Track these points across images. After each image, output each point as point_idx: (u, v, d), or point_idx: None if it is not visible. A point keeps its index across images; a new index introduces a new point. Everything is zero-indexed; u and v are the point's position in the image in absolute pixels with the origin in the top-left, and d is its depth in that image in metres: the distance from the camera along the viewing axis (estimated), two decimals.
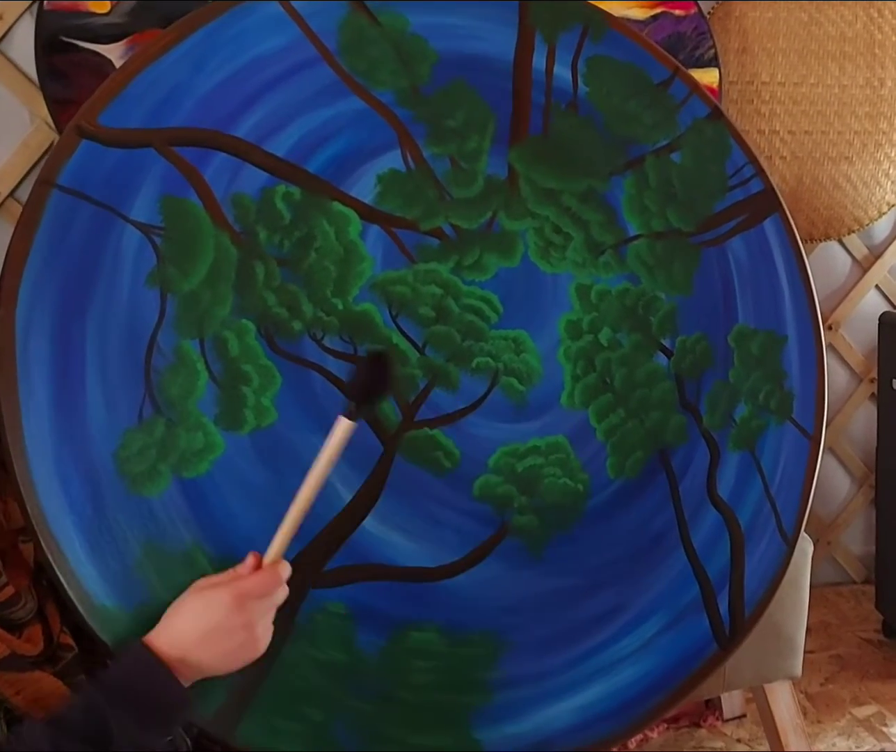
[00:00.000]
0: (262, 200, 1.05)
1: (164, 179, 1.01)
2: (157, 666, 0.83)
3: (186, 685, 0.86)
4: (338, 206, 1.07)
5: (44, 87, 1.70)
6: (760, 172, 1.21)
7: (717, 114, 1.20)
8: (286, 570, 0.92)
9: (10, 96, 1.76)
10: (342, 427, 0.89)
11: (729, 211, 1.20)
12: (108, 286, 0.99)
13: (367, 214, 1.08)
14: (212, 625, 0.86)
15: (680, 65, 1.19)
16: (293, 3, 1.05)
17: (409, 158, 1.10)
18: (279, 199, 1.05)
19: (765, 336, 1.20)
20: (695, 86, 1.19)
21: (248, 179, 1.04)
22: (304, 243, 1.06)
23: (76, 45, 1.67)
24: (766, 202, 1.20)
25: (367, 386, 0.92)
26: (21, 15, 1.73)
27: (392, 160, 1.09)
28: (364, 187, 1.08)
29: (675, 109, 1.18)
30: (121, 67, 1.00)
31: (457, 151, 1.11)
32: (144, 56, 1.01)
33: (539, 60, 1.13)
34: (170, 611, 0.89)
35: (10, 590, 0.90)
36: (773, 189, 1.21)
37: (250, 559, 0.92)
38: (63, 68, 1.68)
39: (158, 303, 1.01)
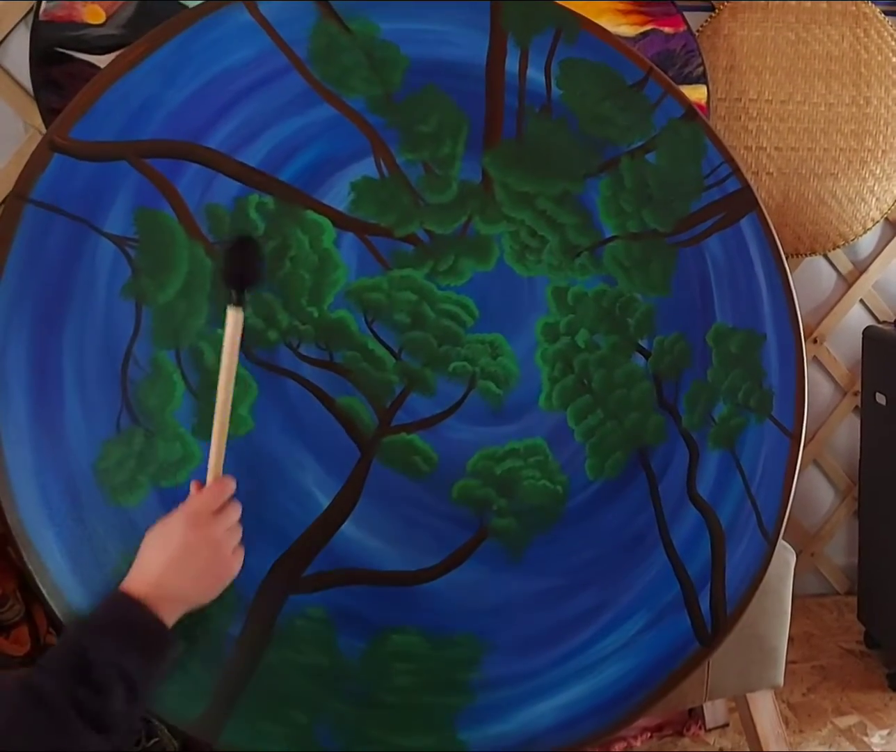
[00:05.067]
0: (236, 210, 1.05)
1: (137, 192, 1.02)
2: (130, 601, 0.84)
3: (170, 618, 0.86)
4: (312, 214, 1.07)
5: (38, 97, 1.70)
6: (736, 170, 1.20)
7: (691, 114, 1.19)
8: (230, 483, 0.93)
9: (4, 106, 1.76)
10: (232, 318, 0.90)
11: (705, 211, 1.20)
12: (83, 299, 1.01)
13: (341, 221, 1.09)
14: (174, 548, 0.88)
15: (654, 65, 1.18)
16: (263, 12, 1.05)
17: (383, 165, 1.10)
18: (253, 209, 1.06)
19: (743, 335, 1.20)
20: (669, 86, 1.18)
21: (222, 190, 1.05)
22: (278, 253, 1.06)
23: (71, 56, 1.68)
24: (742, 201, 1.20)
25: (240, 271, 0.91)
26: (16, 25, 1.74)
27: (365, 167, 1.10)
28: (338, 195, 1.09)
29: (650, 110, 1.17)
30: (91, 81, 1.01)
31: (430, 157, 1.11)
32: (115, 69, 1.01)
33: (512, 64, 1.13)
34: (138, 553, 0.90)
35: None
36: (749, 187, 1.21)
37: (193, 485, 0.94)
38: (58, 79, 1.68)
39: (134, 315, 1.02)
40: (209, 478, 0.93)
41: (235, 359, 0.91)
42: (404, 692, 1.09)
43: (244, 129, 1.06)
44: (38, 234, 0.98)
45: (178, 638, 0.87)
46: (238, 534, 0.93)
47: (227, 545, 0.91)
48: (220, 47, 1.04)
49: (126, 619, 0.84)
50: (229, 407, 0.92)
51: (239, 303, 0.90)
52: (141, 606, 0.84)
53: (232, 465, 1.04)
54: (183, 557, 0.88)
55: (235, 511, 0.93)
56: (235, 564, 0.92)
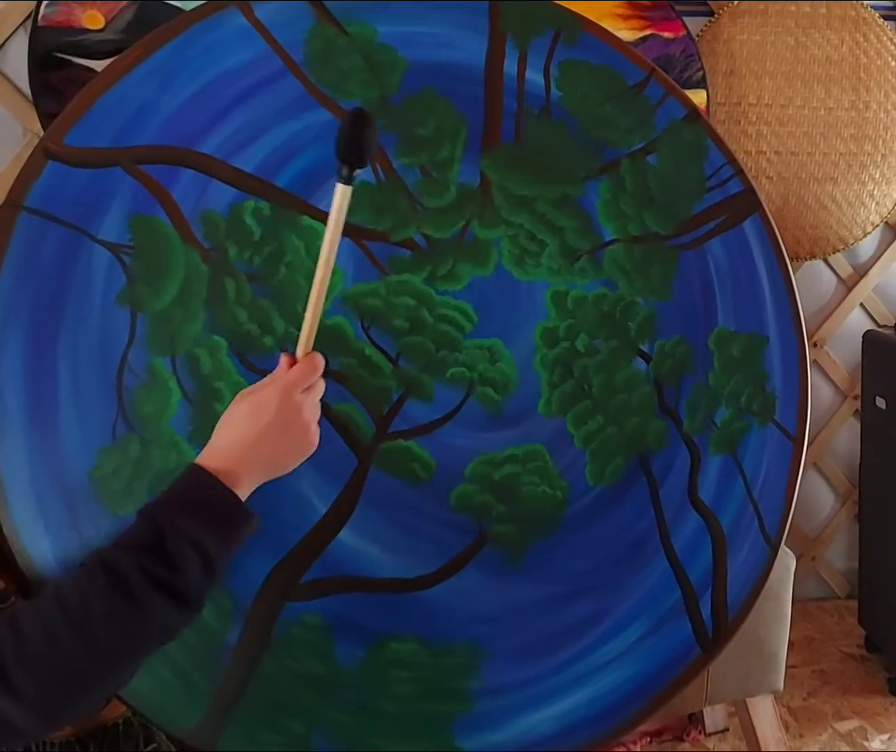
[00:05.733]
0: (231, 216, 1.04)
1: (132, 198, 1.01)
2: (206, 475, 0.84)
3: (246, 491, 0.86)
4: (308, 220, 1.07)
5: (37, 102, 1.70)
6: (739, 172, 1.19)
7: (694, 115, 1.18)
8: (321, 360, 0.92)
9: (3, 112, 1.77)
10: (340, 193, 0.87)
11: (707, 213, 1.18)
12: (78, 306, 1.00)
13: None
14: (264, 424, 0.87)
15: (655, 66, 1.17)
16: (258, 15, 1.04)
17: (380, 169, 1.09)
18: (248, 214, 1.05)
19: (746, 338, 1.19)
20: (671, 87, 1.17)
21: (217, 196, 1.04)
22: (274, 259, 1.06)
23: (70, 61, 1.68)
24: (745, 203, 1.19)
25: (355, 143, 0.88)
26: (15, 30, 1.74)
27: (362, 172, 1.08)
28: None
29: (651, 111, 1.16)
30: (86, 87, 1.00)
31: (428, 161, 1.10)
32: (110, 74, 1.01)
33: (510, 66, 1.12)
34: (218, 428, 0.89)
35: (0, 584, 0.92)
36: (752, 189, 1.19)
37: (283, 359, 0.92)
38: (57, 84, 1.68)
39: (129, 322, 1.01)
40: (299, 352, 0.92)
41: (339, 235, 0.89)
42: (402, 700, 1.08)
43: (240, 134, 1.05)
44: (32, 241, 0.98)
45: (253, 514, 0.86)
46: (319, 412, 0.93)
47: (313, 422, 0.91)
48: (216, 51, 1.04)
49: (202, 494, 0.84)
50: (327, 282, 0.91)
51: (348, 181, 0.87)
52: (217, 480, 0.84)
53: None
54: (273, 434, 0.87)
55: (321, 389, 0.93)
56: (315, 441, 0.92)
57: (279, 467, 0.91)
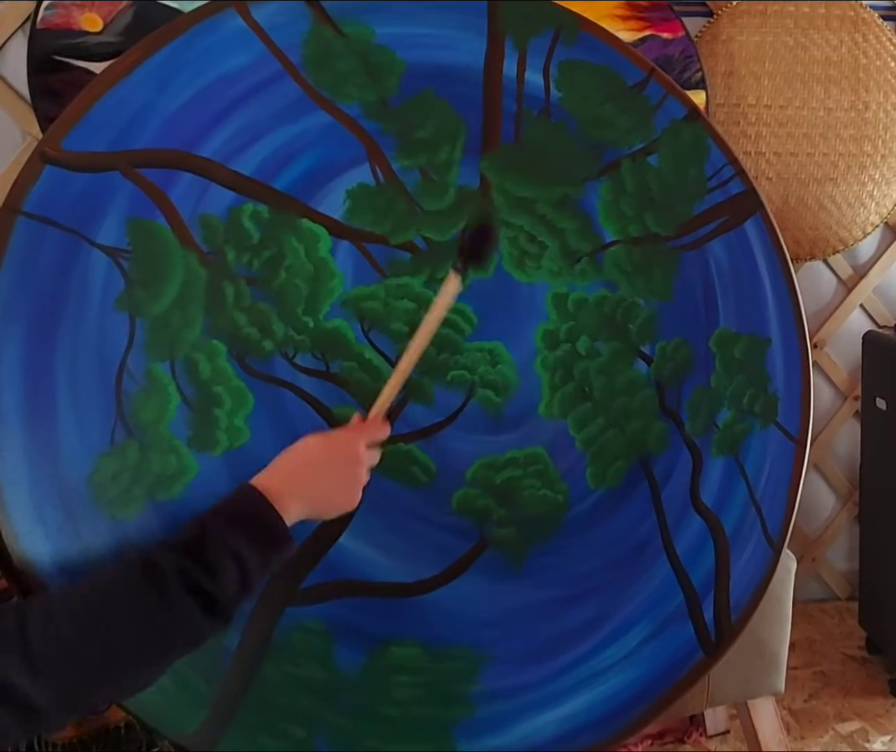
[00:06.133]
0: (230, 219, 1.04)
1: (130, 202, 1.01)
2: (256, 494, 0.87)
3: (290, 519, 0.89)
4: (307, 223, 1.06)
5: (36, 105, 1.70)
6: (741, 172, 1.18)
7: (694, 114, 1.17)
8: (388, 428, 1.01)
9: (2, 115, 1.76)
10: (452, 282, 0.93)
11: (708, 213, 1.18)
12: (76, 311, 0.99)
13: (337, 229, 1.07)
14: (330, 458, 0.94)
15: (655, 65, 1.16)
16: (256, 17, 1.03)
17: (379, 172, 1.09)
18: (247, 218, 1.04)
19: (748, 340, 1.18)
20: (671, 87, 1.16)
21: (216, 199, 1.04)
22: (273, 262, 1.05)
23: (69, 64, 1.67)
24: (746, 203, 1.18)
25: (475, 245, 0.96)
26: (13, 33, 1.73)
27: (361, 174, 1.08)
28: (333, 203, 1.07)
29: (651, 112, 1.15)
30: (83, 90, 0.99)
31: (427, 163, 1.10)
32: (108, 78, 1.00)
33: (510, 67, 1.12)
34: (288, 451, 0.93)
35: (2, 583, 0.92)
36: (754, 189, 1.19)
37: (356, 416, 1.00)
38: (56, 87, 1.68)
39: (128, 326, 1.01)
40: (374, 413, 0.99)
41: (440, 321, 0.95)
42: (403, 704, 1.08)
43: (238, 137, 1.04)
44: (30, 246, 0.97)
45: (294, 538, 0.89)
46: (369, 477, 0.98)
47: (362, 480, 0.97)
48: (214, 54, 1.03)
49: (251, 509, 0.87)
50: (417, 358, 0.97)
51: (464, 274, 0.93)
52: (267, 500, 0.87)
53: (228, 477, 1.04)
54: (332, 468, 0.93)
55: (377, 457, 1.00)
56: (357, 501, 0.97)
57: (324, 509, 0.95)
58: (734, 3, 1.99)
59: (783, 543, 1.17)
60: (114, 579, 0.80)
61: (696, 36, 1.99)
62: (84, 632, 0.77)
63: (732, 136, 1.99)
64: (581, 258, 1.15)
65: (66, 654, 0.76)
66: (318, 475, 0.92)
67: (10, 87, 1.74)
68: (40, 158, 0.97)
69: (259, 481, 0.89)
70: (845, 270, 2.20)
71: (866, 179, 2.06)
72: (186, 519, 1.00)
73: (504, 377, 1.13)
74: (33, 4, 1.67)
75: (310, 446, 0.93)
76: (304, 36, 1.05)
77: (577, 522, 1.15)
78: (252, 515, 0.86)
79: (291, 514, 0.89)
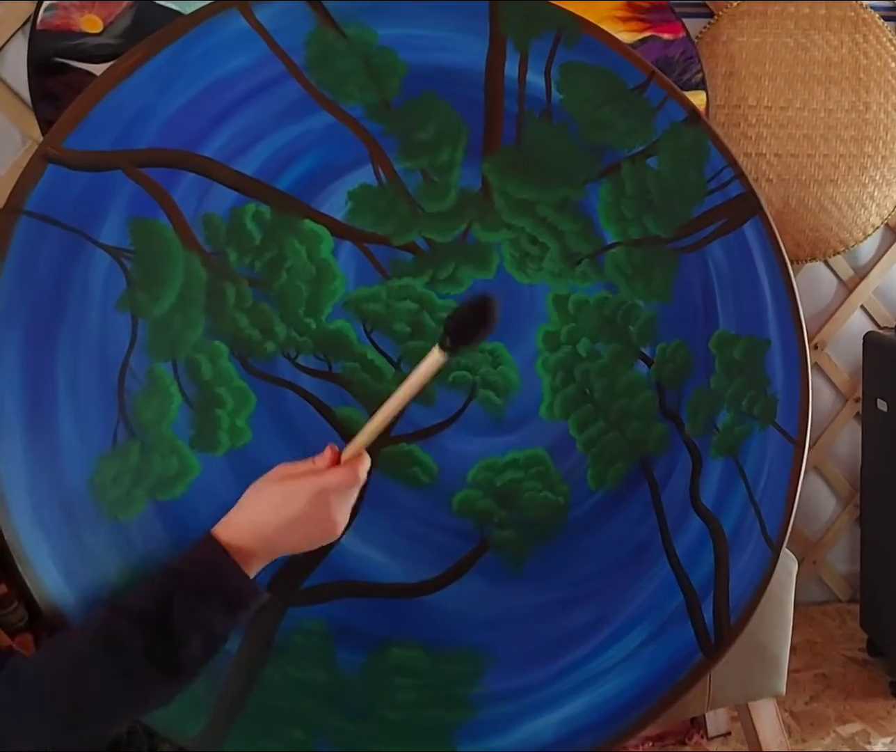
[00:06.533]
0: (232, 220, 1.04)
1: (132, 202, 1.00)
2: (221, 554, 0.84)
3: (256, 570, 0.86)
4: (309, 224, 1.06)
5: (36, 107, 1.69)
6: (740, 175, 1.19)
7: (694, 117, 1.18)
8: (365, 464, 0.90)
9: (1, 117, 1.75)
10: (433, 356, 0.87)
11: (708, 215, 1.18)
12: (78, 311, 0.99)
13: (339, 230, 1.07)
14: (290, 516, 0.86)
15: (656, 68, 1.17)
16: (259, 18, 1.03)
17: (381, 173, 1.09)
18: (249, 218, 1.04)
19: (747, 341, 1.19)
20: (671, 89, 1.17)
21: (218, 199, 1.04)
22: (275, 263, 1.05)
23: (69, 66, 1.67)
24: (746, 205, 1.18)
25: (466, 323, 0.87)
26: (13, 35, 1.73)
27: (363, 175, 1.08)
28: (335, 204, 1.07)
29: (652, 114, 1.16)
30: (85, 90, 0.99)
31: (429, 164, 1.10)
32: (109, 78, 1.00)
33: (511, 69, 1.12)
34: (244, 500, 0.88)
35: (3, 588, 0.91)
36: (753, 191, 1.19)
37: (328, 452, 0.89)
38: (56, 89, 1.67)
39: (130, 327, 1.01)
40: (346, 454, 0.89)
41: (417, 390, 0.88)
42: (404, 707, 1.08)
43: (241, 137, 1.04)
44: (32, 245, 0.97)
45: (261, 591, 0.86)
46: (352, 501, 0.90)
47: (343, 516, 0.89)
48: (216, 55, 1.03)
49: (216, 577, 0.83)
50: (391, 418, 0.90)
51: (452, 352, 0.86)
52: (231, 561, 0.83)
53: (230, 477, 1.04)
54: (296, 526, 0.86)
55: (356, 494, 0.91)
56: (340, 528, 0.90)
57: (296, 550, 0.91)
58: (735, 4, 1.99)
59: (782, 544, 1.18)
60: (79, 651, 0.79)
61: (697, 37, 1.99)
62: (49, 702, 0.77)
63: (733, 137, 1.99)
64: (582, 260, 1.15)
65: (32, 721, 0.77)
66: (283, 529, 0.86)
67: (10, 89, 1.73)
68: (43, 157, 0.97)
69: (224, 532, 0.85)
70: (846, 272, 2.19)
71: (867, 181, 2.07)
72: (187, 520, 1.01)
73: (505, 379, 1.13)
74: (33, 6, 1.66)
75: (273, 497, 0.87)
76: (307, 37, 1.05)
77: (577, 524, 1.15)
78: (219, 581, 0.83)
79: (258, 565, 0.86)
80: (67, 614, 0.96)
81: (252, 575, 0.86)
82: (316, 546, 0.90)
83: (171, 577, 0.84)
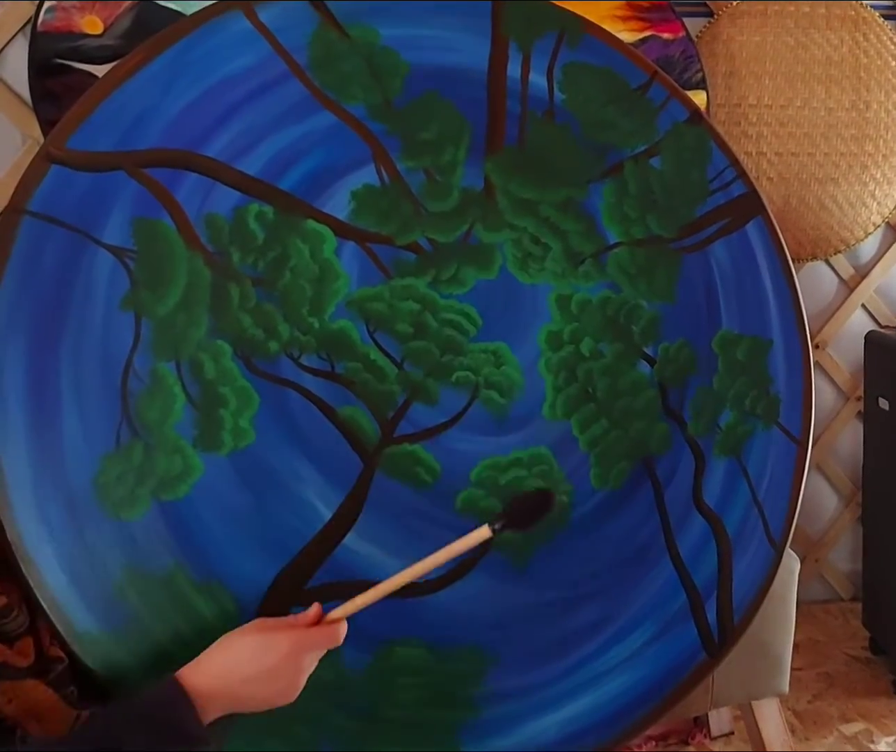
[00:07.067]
0: (236, 220, 1.04)
1: (135, 202, 1.01)
2: (183, 699, 0.83)
3: (212, 717, 0.85)
4: (312, 223, 1.06)
5: (37, 108, 1.69)
6: (742, 174, 1.19)
7: (697, 117, 1.18)
8: (344, 629, 0.92)
9: (2, 118, 1.75)
10: (480, 532, 0.91)
11: (711, 215, 1.18)
12: (81, 311, 0.99)
13: (342, 230, 1.07)
14: (265, 668, 0.87)
15: (658, 68, 1.17)
16: (262, 18, 1.04)
17: (384, 173, 1.09)
18: (252, 218, 1.04)
19: (750, 341, 1.19)
20: (674, 89, 1.17)
21: (221, 199, 1.04)
22: (278, 263, 1.05)
23: (70, 67, 1.67)
24: (748, 205, 1.19)
25: (523, 511, 0.94)
26: (14, 36, 1.73)
27: (366, 175, 1.08)
28: (338, 204, 1.07)
29: (654, 114, 1.16)
30: (88, 91, 0.99)
31: (432, 164, 1.10)
32: (112, 79, 1.00)
33: (514, 69, 1.12)
34: (219, 646, 0.88)
35: (3, 600, 0.91)
36: (755, 191, 1.19)
37: (314, 610, 0.92)
38: (56, 90, 1.67)
39: (133, 326, 1.01)
40: (333, 614, 0.92)
41: (448, 558, 0.93)
42: (408, 706, 1.08)
43: (244, 137, 1.04)
44: (35, 245, 0.97)
45: (210, 738, 0.85)
46: (316, 664, 0.92)
47: (300, 687, 0.90)
48: (219, 55, 1.03)
49: (171, 720, 0.82)
50: (400, 584, 0.93)
51: (499, 532, 0.91)
52: (189, 707, 0.83)
53: (233, 477, 1.04)
54: (267, 678, 0.87)
55: (317, 658, 0.93)
56: (297, 692, 0.91)
57: (253, 706, 0.89)
58: (734, 3, 2.00)
59: (785, 543, 1.18)
60: None
61: (697, 36, 1.99)
62: None
63: (733, 136, 1.99)
64: (585, 260, 1.15)
65: None
66: (253, 680, 0.86)
67: (11, 90, 1.74)
68: (46, 157, 0.97)
69: (192, 676, 0.85)
70: (847, 271, 2.20)
71: (868, 179, 2.07)
72: (190, 520, 1.01)
73: (508, 378, 1.13)
74: (34, 7, 1.67)
75: (252, 645, 0.87)
76: (310, 37, 1.05)
77: (580, 523, 1.15)
78: (175, 727, 0.82)
79: (213, 715, 0.85)
80: (70, 612, 0.96)
81: (206, 723, 0.84)
82: (270, 707, 0.89)
83: (128, 715, 0.82)
